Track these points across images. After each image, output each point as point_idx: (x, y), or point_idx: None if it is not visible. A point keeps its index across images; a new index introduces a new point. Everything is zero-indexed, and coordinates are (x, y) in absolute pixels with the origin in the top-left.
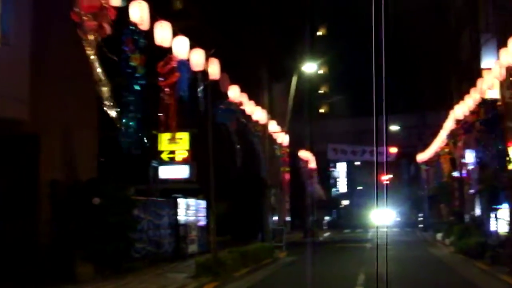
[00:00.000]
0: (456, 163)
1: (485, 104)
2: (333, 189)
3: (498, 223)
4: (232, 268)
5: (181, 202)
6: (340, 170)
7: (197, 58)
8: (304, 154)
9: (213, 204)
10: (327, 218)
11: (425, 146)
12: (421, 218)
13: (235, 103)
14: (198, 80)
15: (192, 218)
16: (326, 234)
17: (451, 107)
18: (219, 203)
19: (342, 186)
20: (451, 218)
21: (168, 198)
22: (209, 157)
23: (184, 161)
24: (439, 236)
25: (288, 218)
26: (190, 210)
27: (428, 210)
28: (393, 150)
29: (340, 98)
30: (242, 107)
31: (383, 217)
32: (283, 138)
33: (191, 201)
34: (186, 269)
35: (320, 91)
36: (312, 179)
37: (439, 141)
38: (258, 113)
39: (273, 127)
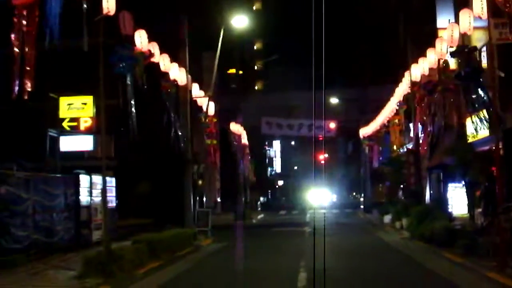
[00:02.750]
0: (408, 134)
1: (460, 53)
2: (269, 169)
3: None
4: (134, 263)
5: (84, 179)
6: (276, 149)
7: None
8: (235, 127)
9: (105, 180)
10: (262, 199)
11: (367, 121)
12: (362, 199)
13: (141, 53)
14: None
15: (98, 199)
16: (260, 216)
17: (397, 79)
18: (142, 182)
19: (277, 166)
20: (402, 198)
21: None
22: (101, 121)
23: (87, 131)
24: (387, 218)
25: (219, 199)
26: (96, 189)
27: (371, 189)
28: (332, 125)
29: (275, 58)
30: (153, 60)
31: (320, 198)
32: (209, 106)
33: (97, 179)
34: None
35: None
36: (245, 156)
37: (388, 110)
38: (175, 71)
39: (197, 91)
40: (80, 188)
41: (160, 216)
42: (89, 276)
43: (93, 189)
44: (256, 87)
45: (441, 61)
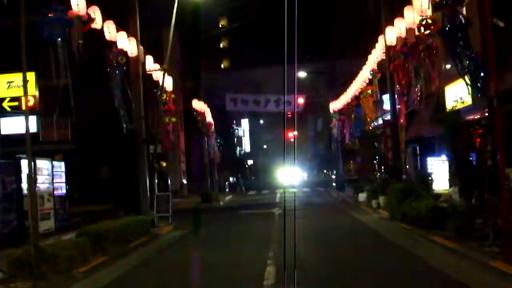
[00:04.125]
0: (381, 107)
1: (444, 6)
2: (238, 149)
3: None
4: (73, 261)
5: (25, 164)
6: (244, 128)
7: None
8: (197, 104)
9: (31, 166)
10: (231, 179)
11: (337, 95)
12: (334, 176)
13: (78, 17)
14: None
15: (45, 186)
16: (228, 198)
17: (367, 52)
18: (101, 165)
19: (246, 145)
20: (377, 174)
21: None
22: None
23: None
24: (361, 197)
25: (185, 181)
26: (42, 175)
27: (342, 167)
28: (301, 100)
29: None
30: (95, 27)
31: (291, 176)
32: (166, 81)
33: (43, 163)
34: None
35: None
36: (210, 135)
37: (360, 81)
38: (123, 41)
39: (151, 65)
40: (22, 175)
41: (120, 202)
42: (16, 279)
43: (38, 175)
44: (222, 66)
45: (421, 19)
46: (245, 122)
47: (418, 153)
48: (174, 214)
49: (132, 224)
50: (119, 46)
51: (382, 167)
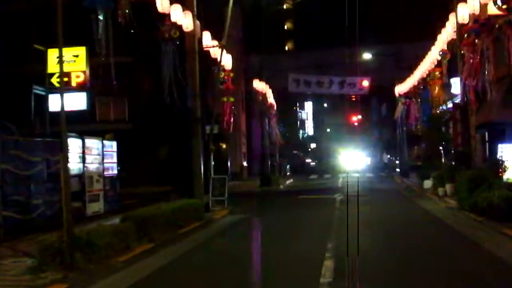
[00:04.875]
0: (449, 90)
1: None
2: (301, 132)
3: None
4: (114, 249)
5: (74, 143)
6: (308, 111)
7: None
8: (259, 85)
9: (65, 144)
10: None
11: (402, 79)
12: (398, 162)
13: None
14: None
15: (94, 166)
16: (289, 182)
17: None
18: (158, 146)
19: (309, 128)
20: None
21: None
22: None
23: (79, 87)
24: (427, 184)
25: (245, 164)
26: (91, 155)
27: (407, 152)
28: (366, 82)
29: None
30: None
31: (354, 161)
32: (224, 58)
33: (92, 142)
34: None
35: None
36: (271, 117)
37: (428, 62)
38: (177, 13)
39: (208, 41)
40: (69, 154)
41: (177, 184)
42: (49, 268)
43: (87, 154)
44: (286, 48)
45: None
46: (308, 105)
47: (487, 139)
48: (231, 198)
49: (183, 208)
50: (173, 19)
51: (450, 153)
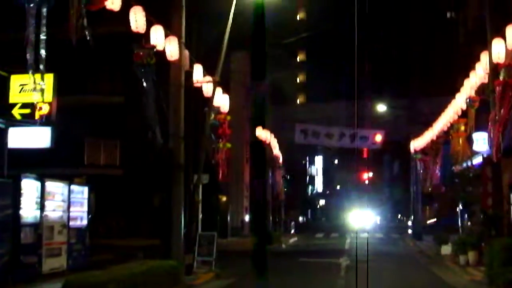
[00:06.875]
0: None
1: None
2: (310, 187)
3: None
4: None
5: (29, 186)
6: (318, 166)
7: None
8: (263, 133)
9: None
10: (301, 219)
11: (417, 135)
12: (410, 223)
13: None
14: None
15: (56, 214)
16: (292, 240)
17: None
18: (153, 194)
19: (319, 184)
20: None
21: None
22: None
23: (42, 120)
24: (445, 249)
25: (247, 218)
26: (53, 201)
27: (421, 213)
28: (379, 137)
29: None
30: (111, 8)
31: (363, 219)
32: (218, 97)
33: (55, 186)
34: None
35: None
36: (276, 170)
37: (451, 112)
38: (158, 37)
39: (200, 75)
40: (23, 199)
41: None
42: None
43: (48, 200)
44: (298, 101)
45: None
46: (318, 160)
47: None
48: (224, 257)
49: (152, 272)
50: (152, 42)
51: (473, 215)
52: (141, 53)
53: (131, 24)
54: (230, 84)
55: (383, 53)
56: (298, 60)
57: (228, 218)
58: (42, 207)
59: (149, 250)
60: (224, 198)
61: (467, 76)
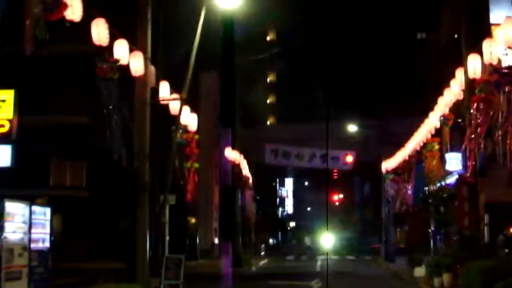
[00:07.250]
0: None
1: None
2: (281, 209)
3: None
4: None
5: None
6: (288, 188)
7: None
8: (231, 154)
9: None
10: (271, 241)
11: (388, 155)
12: (378, 245)
13: None
14: None
15: (17, 236)
16: (262, 263)
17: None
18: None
19: (289, 206)
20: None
21: None
22: None
23: (3, 139)
24: (419, 271)
25: (216, 241)
26: (13, 222)
27: (393, 234)
28: (349, 158)
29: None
30: (71, 19)
31: (333, 242)
32: (184, 115)
33: (15, 207)
34: None
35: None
36: (246, 191)
37: (424, 131)
38: (122, 51)
39: (166, 92)
40: None
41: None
42: None
43: (7, 221)
44: (268, 122)
45: None
46: (289, 182)
47: (486, 222)
48: (191, 281)
49: None
50: (116, 56)
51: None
52: (104, 67)
53: (93, 37)
54: (200, 105)
55: (353, 73)
56: (268, 81)
57: (197, 240)
58: (1, 229)
59: (115, 274)
60: (193, 220)
61: (441, 94)
